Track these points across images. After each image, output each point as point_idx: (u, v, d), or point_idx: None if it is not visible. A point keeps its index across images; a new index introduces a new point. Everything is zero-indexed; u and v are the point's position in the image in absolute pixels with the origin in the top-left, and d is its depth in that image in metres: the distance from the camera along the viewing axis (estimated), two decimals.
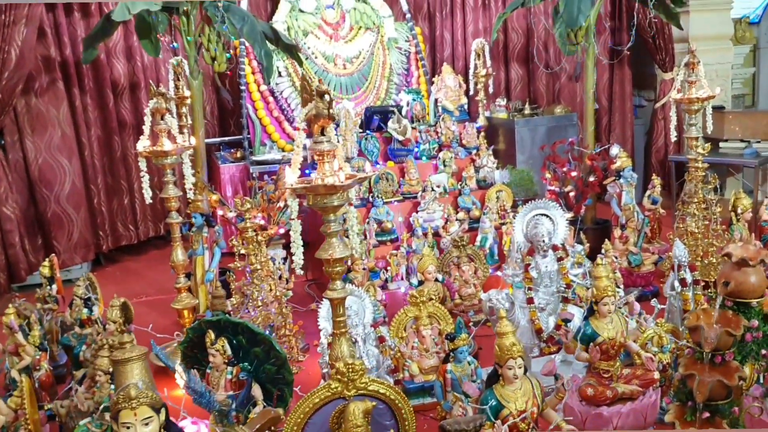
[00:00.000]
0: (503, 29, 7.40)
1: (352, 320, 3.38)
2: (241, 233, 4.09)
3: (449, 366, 3.20)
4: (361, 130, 5.71)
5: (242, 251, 4.06)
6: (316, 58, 6.59)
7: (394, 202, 5.43)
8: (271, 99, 6.43)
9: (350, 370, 2.43)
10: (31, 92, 5.79)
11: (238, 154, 6.54)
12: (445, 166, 5.62)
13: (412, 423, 2.63)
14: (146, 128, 4.10)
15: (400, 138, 5.63)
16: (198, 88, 4.84)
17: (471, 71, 6.87)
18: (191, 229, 4.69)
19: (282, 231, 5.23)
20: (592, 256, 4.48)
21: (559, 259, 3.76)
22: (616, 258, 4.56)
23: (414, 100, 6.05)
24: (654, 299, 3.71)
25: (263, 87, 6.35)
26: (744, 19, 8.20)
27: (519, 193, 5.69)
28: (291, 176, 2.68)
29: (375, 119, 5.72)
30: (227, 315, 3.63)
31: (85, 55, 4.97)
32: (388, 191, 5.45)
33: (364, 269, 4.57)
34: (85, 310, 4.10)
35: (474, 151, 5.86)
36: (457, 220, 5.33)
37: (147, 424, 2.21)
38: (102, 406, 2.83)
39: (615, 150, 5.33)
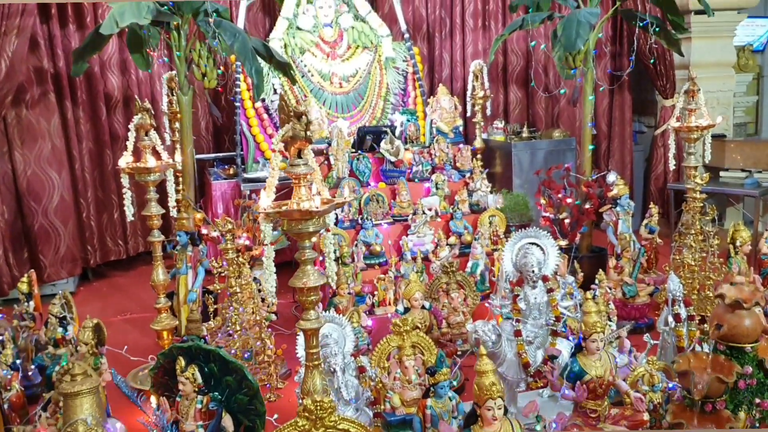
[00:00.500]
0: (503, 51, 7.32)
1: (331, 348, 3.24)
2: (222, 254, 3.98)
3: (429, 401, 3.07)
4: (353, 150, 5.61)
5: (222, 273, 3.95)
6: (312, 75, 6.51)
7: (383, 225, 5.30)
8: (265, 116, 6.34)
9: (318, 407, 2.30)
10: (22, 103, 5.72)
11: (231, 171, 6.46)
12: (437, 188, 5.49)
13: None
14: (130, 144, 4.05)
15: (393, 159, 5.52)
16: (188, 103, 4.75)
17: (468, 92, 6.78)
18: (176, 247, 4.60)
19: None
20: (587, 285, 4.36)
21: (549, 291, 3.62)
22: (610, 289, 4.44)
23: (408, 120, 5.95)
24: (647, 335, 3.56)
25: (258, 104, 6.26)
26: (747, 46, 8.14)
27: (513, 218, 5.55)
28: (265, 200, 2.57)
29: (368, 139, 5.62)
30: (202, 340, 3.52)
31: (75, 68, 4.89)
32: (378, 213, 5.33)
33: (350, 293, 4.44)
34: (60, 330, 4.01)
35: (468, 174, 5.74)
36: (447, 244, 5.19)
37: None
38: None
39: (612, 177, 5.24)
